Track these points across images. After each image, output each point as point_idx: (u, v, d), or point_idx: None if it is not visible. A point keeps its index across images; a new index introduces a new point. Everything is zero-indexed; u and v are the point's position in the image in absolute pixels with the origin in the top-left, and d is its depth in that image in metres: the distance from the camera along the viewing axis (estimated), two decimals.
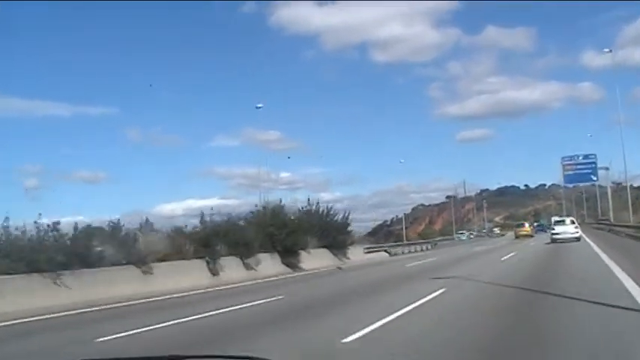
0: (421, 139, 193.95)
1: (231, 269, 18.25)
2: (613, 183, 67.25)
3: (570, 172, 64.31)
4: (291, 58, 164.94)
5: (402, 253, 34.09)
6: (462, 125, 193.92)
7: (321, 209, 25.62)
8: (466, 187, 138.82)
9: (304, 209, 25.20)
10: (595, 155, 63.60)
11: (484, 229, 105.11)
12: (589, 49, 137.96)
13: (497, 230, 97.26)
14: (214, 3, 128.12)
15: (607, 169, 63.54)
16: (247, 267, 19.26)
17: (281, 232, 21.04)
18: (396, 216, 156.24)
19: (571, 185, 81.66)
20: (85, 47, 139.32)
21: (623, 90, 49.48)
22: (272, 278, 18.39)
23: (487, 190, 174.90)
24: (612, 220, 52.59)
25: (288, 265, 21.47)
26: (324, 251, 25.00)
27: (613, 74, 62.87)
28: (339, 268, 22.40)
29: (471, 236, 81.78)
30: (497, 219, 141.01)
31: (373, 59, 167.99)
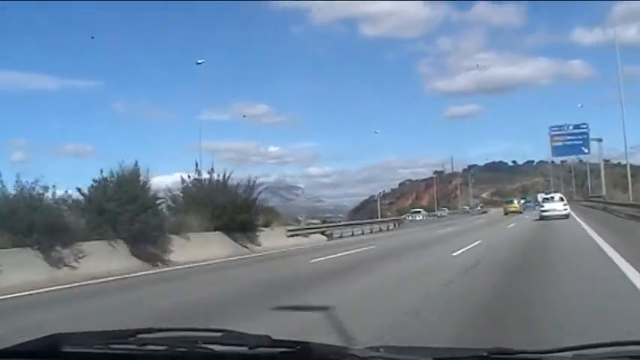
0: (410, 114, 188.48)
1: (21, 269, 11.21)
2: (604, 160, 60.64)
3: (559, 144, 55.93)
4: (280, 33, 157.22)
5: (342, 235, 26.20)
6: (451, 101, 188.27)
7: (215, 179, 18.55)
8: (454, 163, 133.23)
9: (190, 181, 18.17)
10: (587, 125, 55.63)
11: (468, 205, 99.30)
12: (579, 26, 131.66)
13: (479, 207, 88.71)
14: None
15: (600, 140, 56.18)
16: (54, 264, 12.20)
17: (126, 210, 13.91)
18: (383, 191, 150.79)
19: (560, 159, 74.20)
20: (76, 22, 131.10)
21: (614, 68, 42.87)
22: (94, 281, 11.41)
23: (475, 165, 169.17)
24: (606, 198, 45.84)
25: (140, 258, 14.41)
26: (218, 236, 18.00)
27: (607, 51, 55.74)
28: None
29: (443, 214, 71.20)
30: (484, 195, 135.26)
31: (362, 34, 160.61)
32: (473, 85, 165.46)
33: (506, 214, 50.22)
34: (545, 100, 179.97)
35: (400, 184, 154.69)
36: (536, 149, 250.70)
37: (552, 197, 35.16)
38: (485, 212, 68.80)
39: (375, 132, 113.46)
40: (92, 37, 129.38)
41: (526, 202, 70.30)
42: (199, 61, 39.95)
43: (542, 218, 30.87)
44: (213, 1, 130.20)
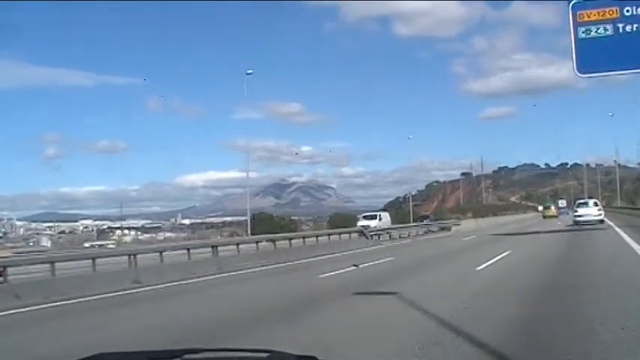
0: (444, 115, 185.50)
1: None
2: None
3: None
4: (312, 30, 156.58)
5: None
6: (485, 102, 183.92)
7: None
8: (485, 164, 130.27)
9: None
10: None
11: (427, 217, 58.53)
12: None
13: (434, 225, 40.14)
14: None
15: None
16: None
17: None
18: (410, 192, 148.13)
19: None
20: (113, 20, 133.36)
21: None
22: None
23: (505, 167, 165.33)
24: None
25: None
26: None
27: None
28: None
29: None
30: (513, 198, 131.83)
31: (395, 32, 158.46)
32: (508, 87, 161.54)
33: (544, 217, 57.25)
34: (581, 103, 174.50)
35: (427, 186, 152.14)
36: (571, 152, 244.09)
37: (586, 202, 34.81)
38: (445, 229, 37.51)
39: (408, 137, 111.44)
40: (161, 96, 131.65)
41: (545, 207, 73.70)
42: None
43: (576, 223, 30.93)
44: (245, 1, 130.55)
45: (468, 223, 43.10)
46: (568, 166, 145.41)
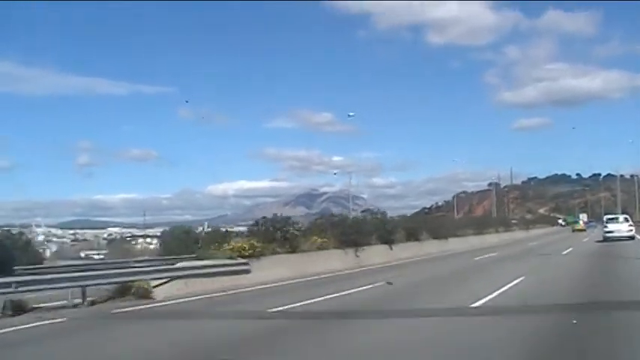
0: (477, 125, 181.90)
1: None
2: None
3: None
4: (344, 38, 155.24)
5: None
6: (518, 113, 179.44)
7: None
8: (514, 174, 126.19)
9: None
10: None
11: None
12: None
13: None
14: None
15: None
16: None
17: None
18: (436, 203, 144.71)
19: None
20: (149, 29, 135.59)
21: None
22: None
23: (535, 178, 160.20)
24: None
25: None
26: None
27: None
28: None
29: None
30: (541, 210, 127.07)
31: (427, 41, 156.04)
32: (541, 97, 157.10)
33: (573, 231, 58.72)
34: (616, 114, 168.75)
35: (454, 196, 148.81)
36: (604, 162, 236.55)
37: (617, 218, 34.48)
38: None
39: (453, 160, 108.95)
40: (187, 101, 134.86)
41: (567, 222, 78.97)
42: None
43: (605, 239, 30.01)
44: (277, 0, 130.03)
45: (492, 238, 39.95)
46: (600, 178, 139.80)
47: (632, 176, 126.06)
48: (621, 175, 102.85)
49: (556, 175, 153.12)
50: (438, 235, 30.42)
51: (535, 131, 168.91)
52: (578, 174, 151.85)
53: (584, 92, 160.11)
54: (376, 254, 22.64)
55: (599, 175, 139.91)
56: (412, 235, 27.37)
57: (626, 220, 32.73)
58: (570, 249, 25.54)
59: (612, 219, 33.73)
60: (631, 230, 30.68)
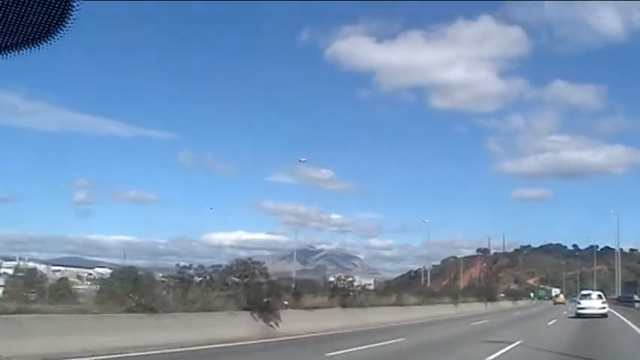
0: (475, 192, 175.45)
1: None
2: None
3: None
4: (346, 96, 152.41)
5: None
6: (518, 182, 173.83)
7: None
8: (507, 242, 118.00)
9: None
10: None
11: None
12: None
13: None
14: (270, 32, 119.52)
15: None
16: None
17: None
18: (423, 267, 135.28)
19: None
20: (156, 74, 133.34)
21: None
22: None
23: (528, 246, 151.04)
24: None
25: None
26: None
27: None
28: None
29: None
30: (530, 281, 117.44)
31: (430, 104, 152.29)
32: (542, 168, 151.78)
33: (554, 304, 64.43)
34: (616, 188, 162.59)
35: (443, 261, 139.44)
36: (601, 235, 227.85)
37: (589, 294, 34.93)
38: None
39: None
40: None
41: (539, 297, 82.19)
42: (302, 159, 38.95)
43: (578, 316, 30.27)
44: (279, 59, 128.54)
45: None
46: (598, 249, 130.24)
47: (631, 250, 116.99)
48: (621, 249, 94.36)
49: (550, 244, 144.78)
50: None
51: (533, 202, 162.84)
52: (574, 245, 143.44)
53: (585, 165, 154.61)
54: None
55: (596, 246, 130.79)
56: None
57: (600, 297, 33.13)
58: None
59: (586, 295, 34.65)
60: (604, 307, 30.99)
